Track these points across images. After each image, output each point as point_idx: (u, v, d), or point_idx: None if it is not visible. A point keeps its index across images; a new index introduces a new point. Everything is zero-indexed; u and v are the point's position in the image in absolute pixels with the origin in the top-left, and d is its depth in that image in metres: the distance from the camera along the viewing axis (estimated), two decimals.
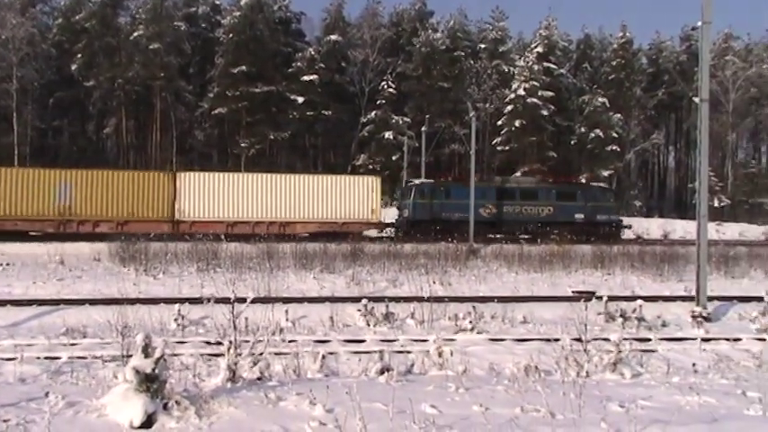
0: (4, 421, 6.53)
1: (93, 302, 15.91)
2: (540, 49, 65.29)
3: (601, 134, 61.80)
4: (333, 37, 66.10)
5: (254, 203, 35.52)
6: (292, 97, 61.04)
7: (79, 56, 62.05)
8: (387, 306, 15.26)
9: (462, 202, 35.67)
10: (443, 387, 8.38)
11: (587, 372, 10.01)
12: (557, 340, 12.01)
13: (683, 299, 18.08)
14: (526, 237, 35.05)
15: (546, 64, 64.36)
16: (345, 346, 12.85)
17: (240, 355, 8.55)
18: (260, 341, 9.12)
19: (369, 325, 14.82)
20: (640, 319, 15.46)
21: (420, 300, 15.78)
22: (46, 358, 11.21)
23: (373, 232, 37.30)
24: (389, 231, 38.45)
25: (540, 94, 60.91)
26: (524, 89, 60.79)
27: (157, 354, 6.85)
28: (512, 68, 65.24)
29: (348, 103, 66.11)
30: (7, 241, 29.03)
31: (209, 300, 12.13)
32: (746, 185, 66.01)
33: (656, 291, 20.50)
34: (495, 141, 63.20)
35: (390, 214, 41.81)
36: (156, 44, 60.50)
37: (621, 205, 54.26)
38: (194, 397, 7.11)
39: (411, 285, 19.40)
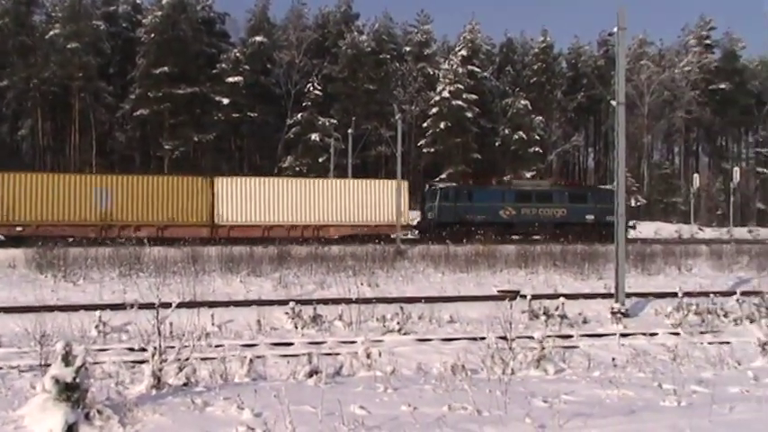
0: None
1: (7, 310, 15.32)
2: (464, 53, 66.30)
3: (523, 136, 63.17)
4: (258, 38, 65.45)
5: (290, 208, 36.21)
6: (217, 99, 60.13)
7: None
8: (314, 308, 15.24)
9: (484, 204, 38.10)
10: (372, 388, 8.42)
11: (512, 369, 10.22)
12: (483, 339, 12.20)
13: (603, 296, 18.60)
14: (537, 237, 36.36)
15: (470, 67, 65.38)
16: (273, 349, 12.76)
17: (165, 361, 8.39)
18: (186, 346, 8.96)
19: (297, 328, 14.76)
20: (563, 317, 15.87)
21: (348, 302, 15.81)
22: None
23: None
24: (412, 233, 39.39)
25: (464, 96, 61.81)
26: (449, 92, 61.58)
27: (78, 362, 6.63)
28: (437, 71, 65.97)
29: (274, 104, 65.61)
30: None
31: (132, 305, 11.88)
32: (661, 185, 68.60)
33: (577, 289, 21.06)
34: (420, 143, 63.76)
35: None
36: (74, 43, 58.55)
37: None
38: (118, 405, 6.94)
39: (339, 287, 19.41)
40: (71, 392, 6.46)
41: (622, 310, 16.70)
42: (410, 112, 63.95)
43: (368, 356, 10.62)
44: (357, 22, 71.88)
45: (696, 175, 53.55)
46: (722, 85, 72.51)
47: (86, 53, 59.52)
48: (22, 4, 61.81)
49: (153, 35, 60.43)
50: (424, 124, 63.41)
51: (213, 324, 14.40)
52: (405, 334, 14.25)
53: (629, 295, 17.89)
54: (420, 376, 9.96)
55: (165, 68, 58.74)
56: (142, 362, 9.58)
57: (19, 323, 13.50)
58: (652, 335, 14.76)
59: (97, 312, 14.03)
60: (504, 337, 11.00)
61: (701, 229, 54.54)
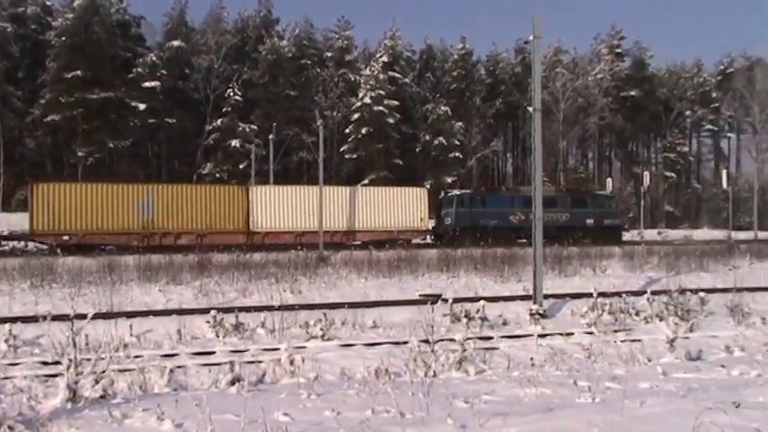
0: None
1: None
2: (384, 59, 66.78)
3: (444, 142, 64.02)
4: (175, 42, 64.23)
5: (320, 214, 36.98)
6: (133, 104, 58.69)
7: None
8: (236, 316, 15.06)
9: (496, 210, 40.07)
10: (295, 394, 8.40)
11: (434, 371, 10.37)
12: (405, 343, 12.34)
13: (522, 298, 18.98)
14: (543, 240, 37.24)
15: (391, 73, 65.91)
16: (194, 358, 12.56)
17: (81, 373, 8.17)
18: (102, 358, 8.74)
19: (218, 336, 14.56)
20: (483, 319, 16.16)
21: (270, 309, 15.70)
22: None
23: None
24: (428, 238, 40.90)
25: (385, 102, 62.24)
26: (370, 98, 61.90)
27: None
28: (358, 77, 66.25)
29: (192, 110, 64.41)
30: None
31: (44, 317, 11.47)
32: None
33: (497, 291, 21.43)
34: (342, 149, 63.85)
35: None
36: None
37: None
38: (30, 421, 6.71)
39: (261, 295, 19.24)
40: None
41: (540, 312, 17.12)
42: (332, 117, 63.94)
43: (291, 363, 10.60)
44: (277, 27, 71.59)
45: (609, 180, 55.16)
46: (632, 93, 75.44)
47: None
48: None
49: (64, 38, 58.55)
50: (346, 130, 63.54)
51: (131, 334, 14.06)
52: (328, 340, 14.25)
53: (546, 297, 18.33)
54: (344, 381, 9.99)
55: (78, 72, 57.00)
56: (56, 375, 9.28)
57: None
58: (568, 334, 15.20)
59: (7, 325, 13.49)
60: (426, 341, 11.13)
61: None
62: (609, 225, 43.23)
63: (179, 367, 11.38)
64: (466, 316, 16.14)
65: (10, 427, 6.45)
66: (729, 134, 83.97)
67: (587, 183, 72.28)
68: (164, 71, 60.48)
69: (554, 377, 9.81)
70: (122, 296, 19.04)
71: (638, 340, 14.11)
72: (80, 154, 57.05)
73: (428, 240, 40.46)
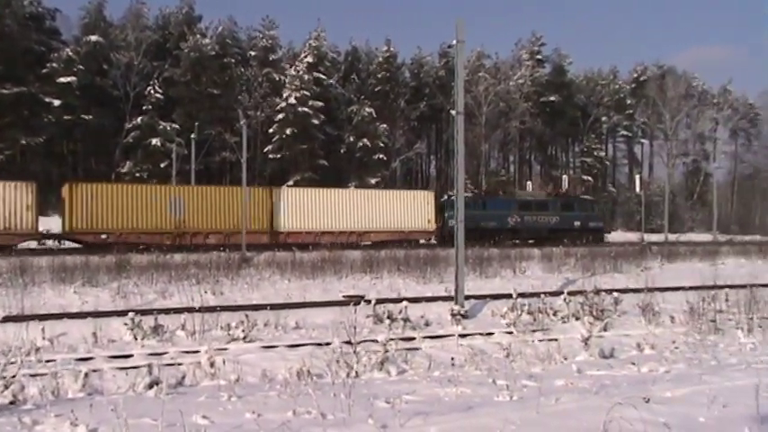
0: None
1: None
2: (309, 59, 66.56)
3: (368, 143, 64.27)
4: (93, 37, 62.39)
5: (338, 216, 39.74)
6: (47, 100, 56.74)
7: None
8: (156, 318, 14.73)
9: (496, 212, 43.36)
10: (216, 397, 8.30)
11: (357, 372, 10.40)
12: (328, 344, 12.35)
13: (444, 299, 19.18)
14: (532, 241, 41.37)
15: (316, 74, 65.75)
16: (111, 362, 12.23)
17: None
18: (12, 363, 8.44)
19: (137, 339, 14.20)
20: (406, 320, 16.27)
21: (191, 310, 15.42)
22: None
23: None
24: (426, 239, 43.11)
25: (310, 103, 62.06)
26: (295, 98, 61.60)
27: None
28: (282, 77, 65.81)
29: (111, 107, 62.63)
30: None
31: None
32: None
33: (419, 292, 21.62)
34: (266, 149, 63.30)
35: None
36: None
37: None
38: None
39: (182, 296, 18.88)
40: None
41: (462, 312, 17.36)
42: (255, 117, 63.31)
43: (211, 365, 10.47)
44: (200, 25, 70.38)
45: (529, 183, 56.66)
46: (552, 98, 77.50)
47: None
48: None
49: None
50: (270, 130, 63.03)
51: (44, 338, 13.58)
52: (250, 342, 14.10)
53: (467, 297, 18.60)
54: (265, 383, 9.92)
55: None
56: None
57: None
58: (489, 334, 15.46)
59: None
60: (349, 342, 11.16)
61: None
62: (593, 227, 46.54)
63: (94, 371, 11.07)
64: (389, 317, 16.21)
65: None
66: (643, 140, 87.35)
67: (508, 185, 73.74)
68: (81, 66, 58.72)
69: (474, 376, 9.97)
70: (34, 298, 18.38)
71: (555, 339, 14.47)
72: None
73: (432, 241, 42.79)
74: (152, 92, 60.43)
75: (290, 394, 8.25)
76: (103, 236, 33.88)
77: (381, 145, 65.58)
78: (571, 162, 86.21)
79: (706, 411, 6.88)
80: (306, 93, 62.18)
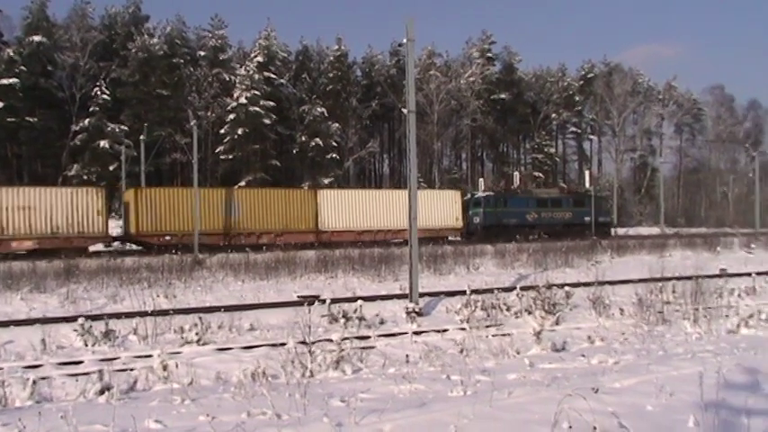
0: None
1: None
2: (260, 59, 66.03)
3: (321, 143, 64.02)
4: (36, 38, 60.79)
5: (376, 215, 41.70)
6: None
7: None
8: (106, 324, 14.49)
9: (516, 209, 45.99)
10: (169, 401, 8.23)
11: (312, 372, 10.41)
12: (283, 344, 12.31)
13: (399, 297, 19.30)
14: (547, 236, 42.71)
15: (266, 74, 65.24)
16: (60, 369, 12.00)
17: None
18: None
19: (87, 345, 13.96)
20: (361, 319, 16.32)
21: (143, 314, 15.23)
22: None
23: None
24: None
25: (261, 103, 61.54)
26: (246, 98, 61.05)
27: None
28: (233, 77, 65.17)
29: (56, 109, 61.21)
30: None
31: None
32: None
33: (374, 291, 21.70)
34: (218, 150, 62.63)
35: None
36: None
37: None
38: None
39: (133, 300, 18.59)
40: None
41: (416, 310, 17.47)
42: (206, 118, 62.60)
43: (164, 369, 10.36)
44: (147, 25, 69.17)
45: (482, 180, 57.10)
46: (503, 96, 78.29)
47: None
48: None
49: None
50: (221, 131, 62.32)
51: None
52: (204, 344, 13.97)
53: (422, 295, 18.73)
54: (219, 385, 9.85)
55: None
56: None
57: None
58: (443, 331, 15.59)
59: None
60: (303, 342, 11.16)
61: None
62: (602, 222, 49.54)
63: (43, 378, 10.86)
64: (344, 316, 16.25)
65: None
66: (591, 136, 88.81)
67: (460, 183, 74.33)
68: (23, 67, 57.23)
69: (428, 373, 10.06)
70: None
71: (509, 334, 14.68)
72: None
73: (458, 238, 44.51)
74: (99, 93, 59.20)
75: (244, 396, 8.24)
76: (167, 237, 35.35)
77: (334, 144, 65.42)
78: (522, 159, 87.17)
79: (653, 400, 7.07)
80: (257, 92, 61.67)
